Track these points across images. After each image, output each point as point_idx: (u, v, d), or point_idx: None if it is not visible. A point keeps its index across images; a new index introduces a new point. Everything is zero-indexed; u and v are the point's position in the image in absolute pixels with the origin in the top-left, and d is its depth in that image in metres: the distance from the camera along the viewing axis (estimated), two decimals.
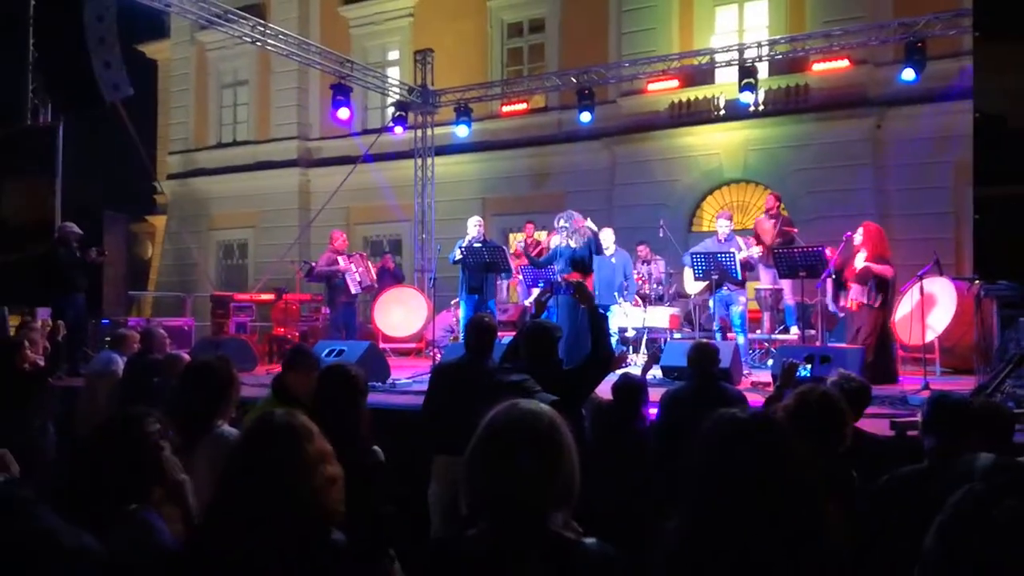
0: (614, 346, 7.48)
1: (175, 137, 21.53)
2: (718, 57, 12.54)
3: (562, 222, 8.28)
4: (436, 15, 17.48)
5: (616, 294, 9.63)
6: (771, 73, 13.95)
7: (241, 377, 3.69)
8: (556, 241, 10.93)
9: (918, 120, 13.06)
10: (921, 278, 7.95)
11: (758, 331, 10.64)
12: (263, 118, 20.02)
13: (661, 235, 11.00)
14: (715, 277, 9.05)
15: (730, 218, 9.85)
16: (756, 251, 9.50)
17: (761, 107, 14.18)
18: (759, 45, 12.07)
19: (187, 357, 5.71)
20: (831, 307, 8.66)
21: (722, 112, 14.63)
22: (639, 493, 3.95)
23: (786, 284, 10.33)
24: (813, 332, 9.20)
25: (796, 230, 10.57)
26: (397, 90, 14.59)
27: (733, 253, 9.03)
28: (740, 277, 9.06)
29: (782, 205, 11.05)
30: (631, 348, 9.98)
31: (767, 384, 7.44)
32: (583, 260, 8.08)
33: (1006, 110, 5.39)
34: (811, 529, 1.88)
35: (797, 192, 13.51)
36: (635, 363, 9.16)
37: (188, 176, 20.88)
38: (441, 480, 4.40)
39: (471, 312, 9.09)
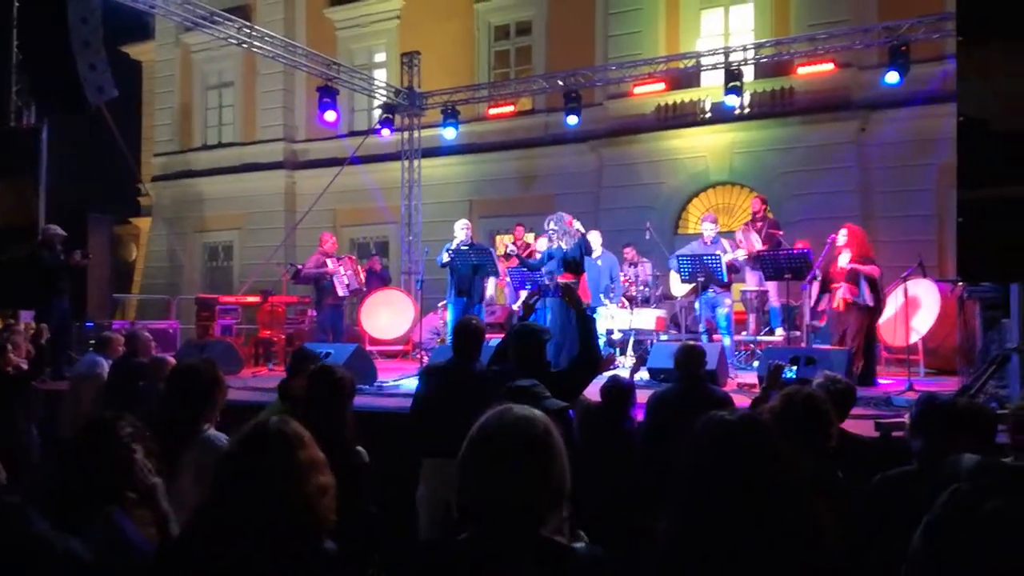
0: (601, 348, 7.49)
1: (160, 139, 21.42)
2: (704, 60, 12.60)
3: (552, 224, 8.29)
4: (423, 17, 17.47)
5: (602, 296, 9.65)
6: (756, 76, 14.03)
7: (227, 380, 3.67)
8: (543, 244, 10.96)
9: (902, 123, 13.17)
10: (905, 280, 8.01)
11: (744, 333, 10.70)
12: (249, 120, 19.94)
13: (647, 237, 11.03)
14: (701, 279, 9.09)
15: (715, 221, 9.91)
16: (741, 254, 9.56)
17: (747, 110, 14.25)
18: (744, 48, 12.14)
19: (172, 360, 5.68)
20: (808, 311, 8.66)
21: (708, 115, 14.70)
22: (627, 495, 3.96)
23: (771, 286, 10.39)
24: (798, 334, 9.26)
25: (782, 232, 10.62)
26: (384, 92, 14.57)
27: (719, 255, 9.08)
28: (726, 279, 9.12)
29: (767, 208, 11.10)
30: (618, 350, 10.00)
31: (753, 386, 7.47)
32: (575, 261, 8.10)
33: (990, 113, 5.43)
34: (799, 530, 1.90)
35: (782, 195, 13.59)
36: (623, 365, 9.18)
37: (173, 178, 20.76)
38: (429, 483, 4.39)
39: (459, 315, 9.08)
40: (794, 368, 6.21)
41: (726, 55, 12.08)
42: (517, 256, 9.98)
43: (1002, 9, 5.50)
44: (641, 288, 10.79)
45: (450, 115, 13.58)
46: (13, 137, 9.09)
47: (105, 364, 6.67)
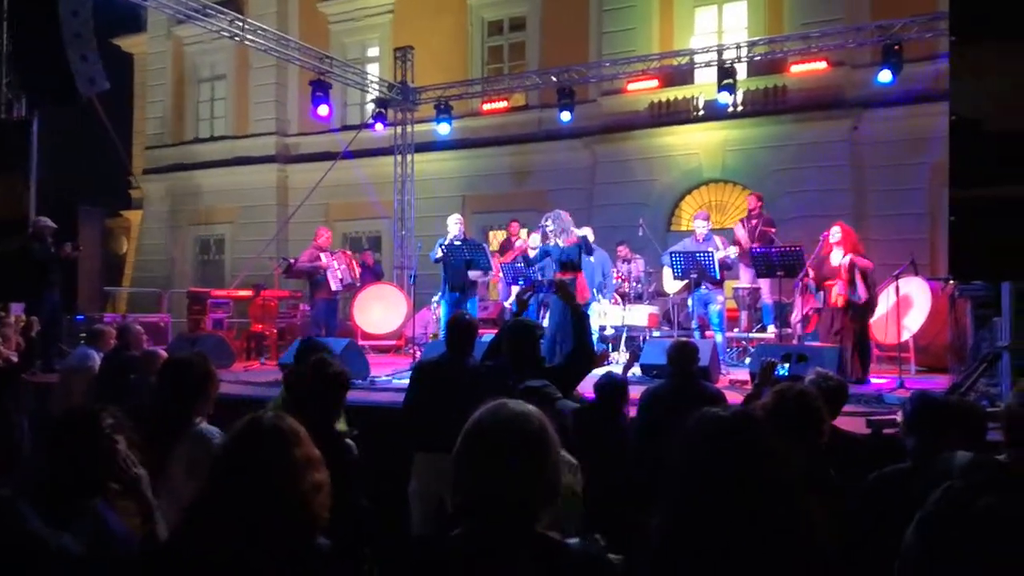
0: (595, 344, 7.50)
1: (151, 132, 21.32)
2: (697, 58, 12.61)
3: (550, 223, 8.32)
4: (416, 12, 17.42)
5: (595, 291, 9.66)
6: (750, 74, 14.04)
7: (219, 374, 3.66)
8: (536, 240, 10.96)
9: (894, 122, 13.21)
10: (897, 278, 8.04)
11: (735, 330, 10.72)
12: (241, 113, 19.86)
13: (640, 234, 11.04)
14: (694, 276, 9.10)
15: (707, 218, 9.91)
16: (733, 251, 9.57)
17: (740, 108, 14.26)
18: (738, 46, 12.15)
19: (164, 354, 5.66)
20: (797, 313, 8.64)
21: (701, 112, 14.71)
22: (620, 490, 3.97)
23: (764, 283, 10.42)
24: (790, 331, 9.29)
25: (775, 230, 10.64)
26: (377, 87, 14.53)
27: (711, 252, 9.09)
28: (719, 276, 9.13)
29: (763, 205, 11.13)
30: (611, 346, 10.02)
31: (745, 382, 7.50)
32: (571, 259, 8.13)
33: (982, 113, 5.44)
34: (791, 526, 1.90)
35: (775, 192, 13.61)
36: (616, 361, 9.19)
37: (164, 171, 20.66)
38: (421, 477, 4.39)
39: (451, 310, 9.08)
40: (786, 365, 6.23)
41: (719, 53, 12.09)
42: (523, 256, 9.98)
43: (995, 9, 5.51)
44: (634, 284, 10.81)
45: (443, 110, 13.56)
46: (3, 129, 9.01)
47: (96, 357, 6.64)
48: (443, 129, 13.67)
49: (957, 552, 1.49)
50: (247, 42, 12.23)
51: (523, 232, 11.97)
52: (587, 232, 8.37)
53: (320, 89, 12.50)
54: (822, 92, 13.71)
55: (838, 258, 7.83)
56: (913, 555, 1.56)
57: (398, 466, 4.47)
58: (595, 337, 8.95)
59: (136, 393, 5.28)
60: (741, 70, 12.60)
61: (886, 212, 13.09)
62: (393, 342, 12.64)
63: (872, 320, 8.60)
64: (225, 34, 11.84)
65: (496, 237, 16.27)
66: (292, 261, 10.97)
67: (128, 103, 22.65)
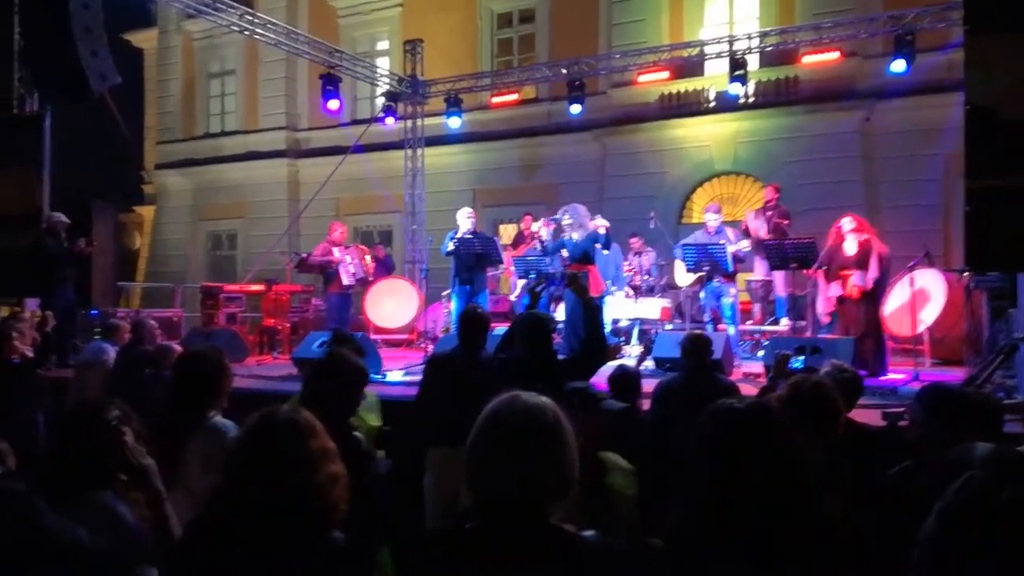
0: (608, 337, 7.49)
1: (163, 127, 21.39)
2: (708, 49, 12.52)
3: (567, 216, 8.31)
4: (425, 5, 17.40)
5: (610, 284, 9.66)
6: (761, 65, 13.96)
7: (232, 368, 3.67)
8: (544, 233, 10.94)
9: (907, 112, 13.12)
10: (911, 270, 7.97)
11: (748, 322, 10.68)
12: (251, 108, 19.90)
13: (652, 227, 11.00)
14: (706, 269, 9.05)
15: (719, 211, 9.84)
16: (745, 244, 9.52)
17: (751, 99, 14.20)
18: (749, 37, 12.07)
19: (178, 348, 5.69)
20: (820, 309, 8.49)
21: (712, 104, 14.65)
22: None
23: (777, 276, 10.36)
24: (804, 324, 9.22)
25: (789, 222, 10.59)
26: (387, 80, 14.52)
27: (724, 245, 9.04)
28: (731, 269, 9.06)
29: (780, 197, 11.08)
30: (623, 339, 10.00)
31: (758, 375, 7.47)
32: (585, 252, 8.13)
33: (997, 102, 5.40)
34: (807, 517, 1.89)
35: (787, 184, 13.49)
36: (629, 354, 9.18)
37: (176, 166, 20.74)
38: (436, 471, 4.39)
39: (463, 304, 9.07)
40: (800, 357, 6.20)
41: (730, 44, 12.02)
42: (541, 244, 9.97)
43: None
44: (645, 277, 10.78)
45: (453, 104, 13.52)
46: (16, 125, 9.06)
47: (111, 351, 6.68)
48: (454, 123, 13.64)
49: (979, 544, 1.48)
50: (257, 36, 12.24)
51: (535, 226, 11.94)
52: (603, 224, 8.36)
53: (330, 83, 12.50)
54: (834, 83, 13.62)
55: (853, 247, 7.74)
56: (933, 546, 1.55)
57: (412, 460, 4.47)
58: (608, 330, 8.94)
59: (151, 387, 5.31)
60: (752, 61, 12.53)
61: (899, 203, 13.00)
62: (405, 336, 12.65)
63: (887, 314, 8.55)
64: (235, 28, 11.85)
65: (507, 231, 16.27)
66: (304, 256, 10.99)
67: (139, 99, 22.75)
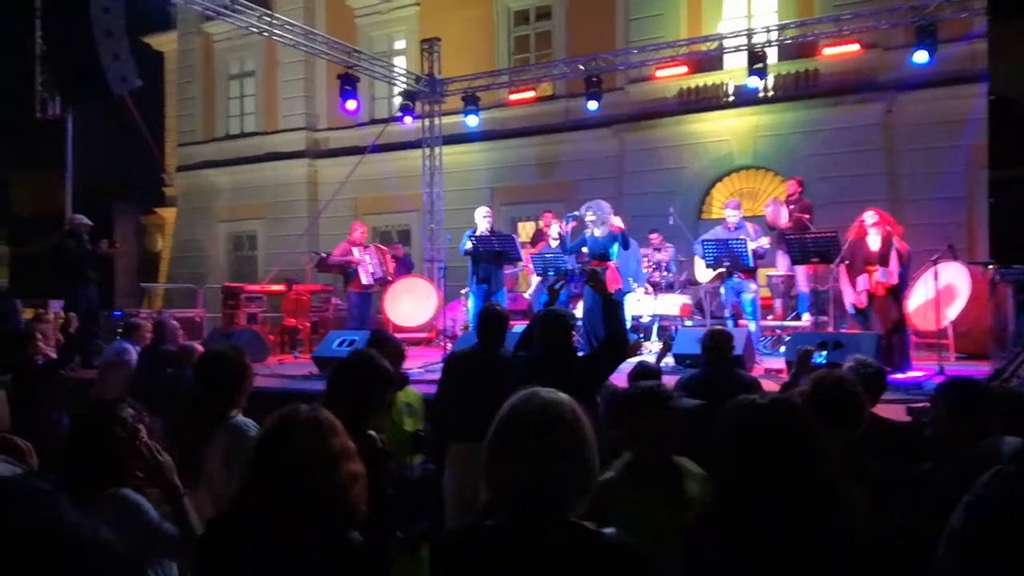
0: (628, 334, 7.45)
1: (183, 129, 21.55)
2: (727, 43, 12.43)
3: (590, 213, 8.28)
4: (442, 3, 17.40)
5: (632, 280, 9.62)
6: (780, 58, 13.84)
7: (253, 368, 3.69)
8: (555, 231, 10.93)
9: (929, 104, 12.96)
10: (935, 263, 7.87)
11: (769, 317, 10.61)
12: (270, 109, 20.01)
13: (671, 223, 10.95)
14: (726, 265, 8.98)
15: (738, 207, 9.76)
16: (764, 241, 9.44)
17: (771, 93, 14.08)
18: (768, 30, 11.97)
19: (200, 348, 5.72)
20: (848, 304, 8.34)
21: (731, 98, 14.54)
22: None
23: (799, 271, 10.28)
24: (826, 319, 9.13)
25: (809, 216, 10.50)
26: (404, 80, 14.54)
27: (745, 240, 8.97)
28: (752, 265, 8.99)
29: (802, 192, 10.99)
30: (643, 336, 9.96)
31: (780, 371, 7.41)
32: (606, 249, 8.10)
33: (1021, 92, 5.33)
34: (830, 512, 1.87)
35: (808, 178, 13.36)
36: (649, 351, 9.14)
37: (197, 168, 20.89)
38: (456, 468, 4.39)
39: (480, 302, 9.08)
40: (823, 353, 6.13)
41: (749, 37, 11.92)
42: (562, 241, 9.97)
43: None
44: (665, 274, 10.73)
45: (470, 102, 13.52)
46: (39, 128, 9.17)
47: (132, 351, 6.74)
48: (471, 121, 13.64)
49: (1009, 537, 1.45)
50: (275, 37, 12.29)
51: (552, 229, 11.94)
52: (617, 221, 8.33)
53: (348, 83, 12.53)
54: (854, 75, 13.49)
55: (876, 242, 7.63)
56: (962, 540, 1.53)
57: (432, 458, 4.47)
58: (628, 326, 8.91)
59: (173, 387, 5.35)
60: (771, 54, 12.40)
61: (921, 196, 12.85)
62: (425, 335, 12.67)
63: (911, 309, 8.45)
64: (253, 30, 11.90)
65: (525, 228, 16.25)
66: (324, 255, 11.04)
67: (160, 101, 22.93)
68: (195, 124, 21.22)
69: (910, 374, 7.27)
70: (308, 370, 8.55)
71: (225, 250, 20.68)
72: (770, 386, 5.48)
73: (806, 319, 10.10)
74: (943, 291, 8.25)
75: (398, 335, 11.57)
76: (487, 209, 9.97)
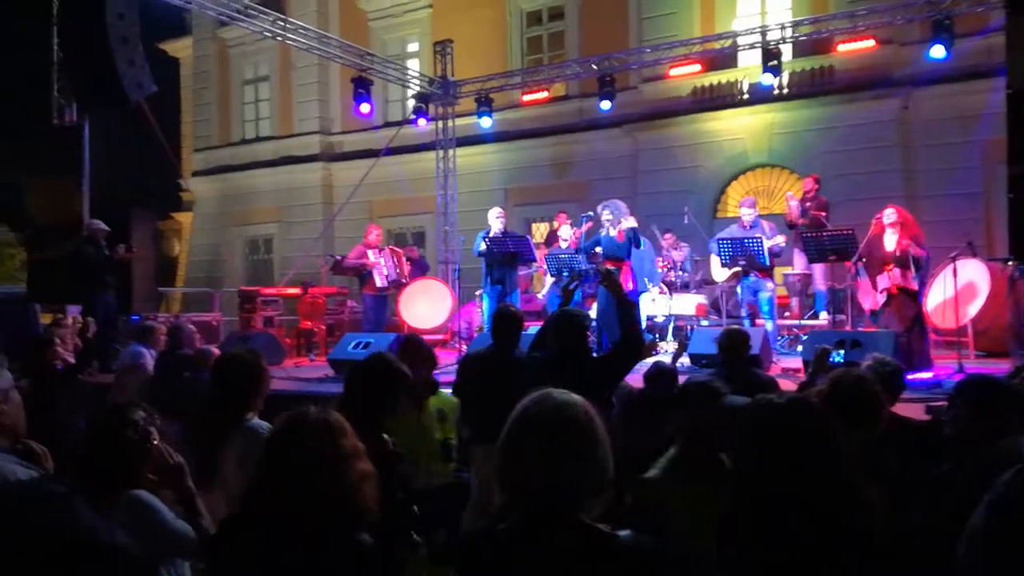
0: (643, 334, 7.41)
1: (199, 134, 21.69)
2: (741, 40, 12.36)
3: (607, 212, 8.25)
4: (454, 5, 17.42)
5: (647, 280, 9.59)
6: (795, 55, 13.77)
7: (270, 371, 3.70)
8: (567, 232, 10.90)
9: (945, 100, 12.85)
10: (954, 260, 7.79)
11: (786, 316, 10.54)
12: (285, 113, 20.11)
13: (686, 222, 10.91)
14: (742, 263, 8.92)
15: (753, 205, 9.67)
16: (780, 239, 9.37)
17: (785, 90, 14.00)
18: (782, 27, 11.90)
19: (217, 351, 5.75)
20: (866, 304, 8.28)
21: (746, 96, 14.47)
22: None
23: (816, 269, 10.21)
24: (843, 317, 9.06)
25: (827, 213, 10.42)
26: (417, 82, 14.57)
27: (761, 239, 8.90)
28: (768, 263, 8.93)
29: (819, 189, 10.92)
30: (658, 336, 9.92)
31: (797, 370, 7.36)
32: (620, 248, 8.08)
33: None
34: (848, 512, 1.86)
35: (824, 175, 13.26)
36: (665, 351, 9.10)
37: (213, 173, 21.02)
38: (478, 471, 4.39)
39: (495, 304, 9.08)
40: (841, 352, 6.09)
41: (763, 34, 11.86)
42: (580, 244, 9.95)
43: None
44: (680, 273, 10.68)
45: (484, 103, 13.52)
46: (56, 135, 9.24)
47: (147, 354, 6.77)
48: (485, 123, 13.64)
49: None
50: (289, 41, 12.36)
51: (563, 231, 11.92)
52: (632, 222, 8.31)
53: (361, 86, 12.57)
54: (870, 71, 13.38)
55: (892, 242, 7.57)
56: (983, 539, 1.50)
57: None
58: (643, 326, 8.88)
59: (190, 390, 5.37)
60: (786, 51, 12.34)
61: (938, 192, 12.73)
62: (441, 336, 12.67)
63: (930, 308, 8.37)
64: (267, 34, 11.97)
65: (539, 229, 16.24)
66: (340, 258, 11.08)
67: (175, 107, 23.09)
68: (211, 129, 21.36)
69: (926, 374, 7.21)
70: (324, 372, 8.57)
71: (241, 254, 20.79)
72: (788, 386, 5.45)
73: (823, 318, 10.03)
74: (962, 288, 8.17)
75: None
76: (500, 210, 9.97)
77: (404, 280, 11.61)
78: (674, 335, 9.85)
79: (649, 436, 4.09)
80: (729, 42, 12.47)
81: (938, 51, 10.38)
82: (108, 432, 2.45)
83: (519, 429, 1.75)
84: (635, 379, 4.79)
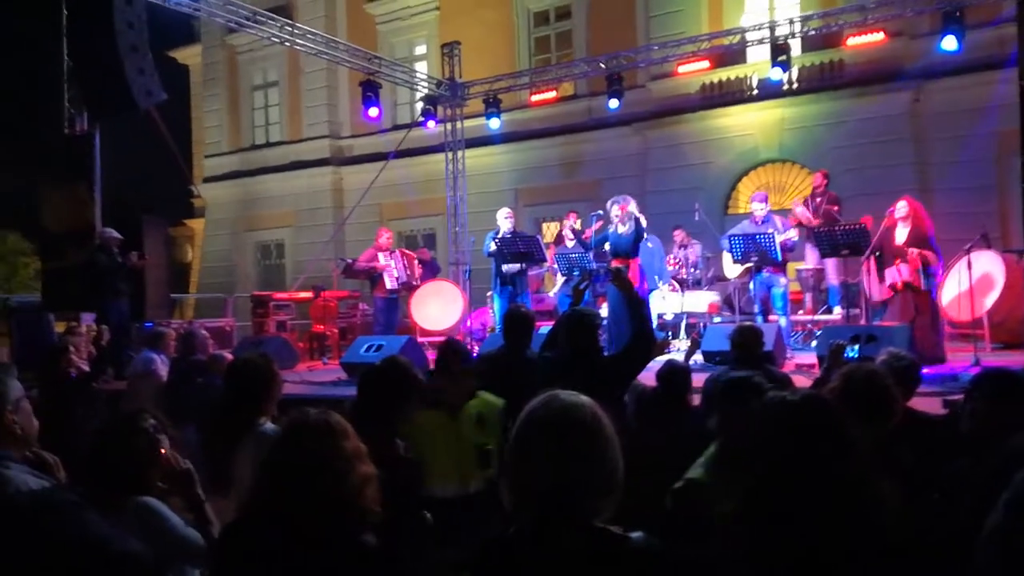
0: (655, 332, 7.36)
1: (210, 141, 21.79)
2: (749, 36, 12.31)
3: (615, 208, 8.18)
4: (461, 7, 17.44)
5: (657, 278, 9.55)
6: (804, 50, 13.70)
7: (284, 375, 3.70)
8: (570, 232, 10.86)
9: (957, 92, 12.74)
10: (968, 252, 7.73)
11: (800, 312, 10.48)
12: (295, 118, 20.18)
13: (697, 219, 10.87)
14: (754, 259, 8.88)
15: (765, 200, 9.62)
16: (792, 233, 9.32)
17: (795, 85, 13.95)
18: (791, 22, 11.82)
19: (230, 357, 5.77)
20: (874, 294, 8.26)
21: (755, 92, 14.41)
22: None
23: (829, 264, 10.15)
24: (857, 312, 9.01)
25: (838, 208, 10.36)
26: (425, 84, 14.59)
27: (772, 234, 8.85)
28: (780, 258, 8.88)
29: (828, 184, 10.85)
30: (670, 334, 9.89)
31: (811, 366, 7.32)
32: (628, 245, 8.02)
33: None
34: (861, 509, 1.84)
35: (835, 170, 13.20)
36: (678, 349, 9.07)
37: (224, 179, 21.11)
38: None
39: (506, 304, 9.07)
40: (855, 347, 6.04)
41: (772, 29, 11.79)
42: (578, 239, 9.93)
43: None
44: (692, 271, 10.64)
45: (492, 104, 13.51)
46: (68, 144, 9.30)
47: (159, 360, 6.80)
48: (494, 124, 13.63)
49: None
50: (297, 47, 12.40)
51: (578, 223, 11.90)
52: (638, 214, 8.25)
53: (370, 90, 12.60)
54: (880, 64, 13.30)
55: (903, 236, 7.52)
56: (1001, 539, 1.48)
57: None
58: (655, 324, 8.83)
59: (203, 396, 5.39)
60: (795, 46, 12.28)
61: (951, 185, 12.63)
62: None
63: (945, 301, 8.30)
64: (276, 40, 12.01)
65: (550, 229, 16.22)
66: (351, 262, 11.11)
67: (186, 113, 23.22)
68: (221, 135, 21.45)
69: (944, 366, 7.15)
70: (337, 376, 8.59)
71: (253, 259, 20.87)
72: (802, 382, 5.41)
73: (837, 312, 9.96)
74: (978, 280, 8.10)
75: (424, 339, 11.68)
76: (508, 210, 9.97)
77: (414, 282, 11.62)
78: (686, 333, 9.81)
79: (663, 435, 4.08)
80: (737, 38, 12.42)
81: (950, 43, 10.27)
82: (116, 439, 2.46)
83: (526, 431, 1.74)
84: (648, 378, 4.77)
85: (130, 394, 6.93)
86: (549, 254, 10.70)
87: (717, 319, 10.14)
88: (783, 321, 8.84)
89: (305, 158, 19.77)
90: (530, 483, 1.70)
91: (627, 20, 15.81)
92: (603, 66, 13.00)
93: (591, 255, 9.10)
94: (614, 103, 12.59)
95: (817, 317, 10.32)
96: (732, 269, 10.17)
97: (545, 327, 5.67)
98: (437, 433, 3.59)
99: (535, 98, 16.12)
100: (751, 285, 9.30)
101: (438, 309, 12.35)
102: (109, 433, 2.50)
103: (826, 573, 1.76)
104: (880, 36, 12.66)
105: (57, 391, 6.05)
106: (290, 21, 12.41)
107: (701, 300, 10.08)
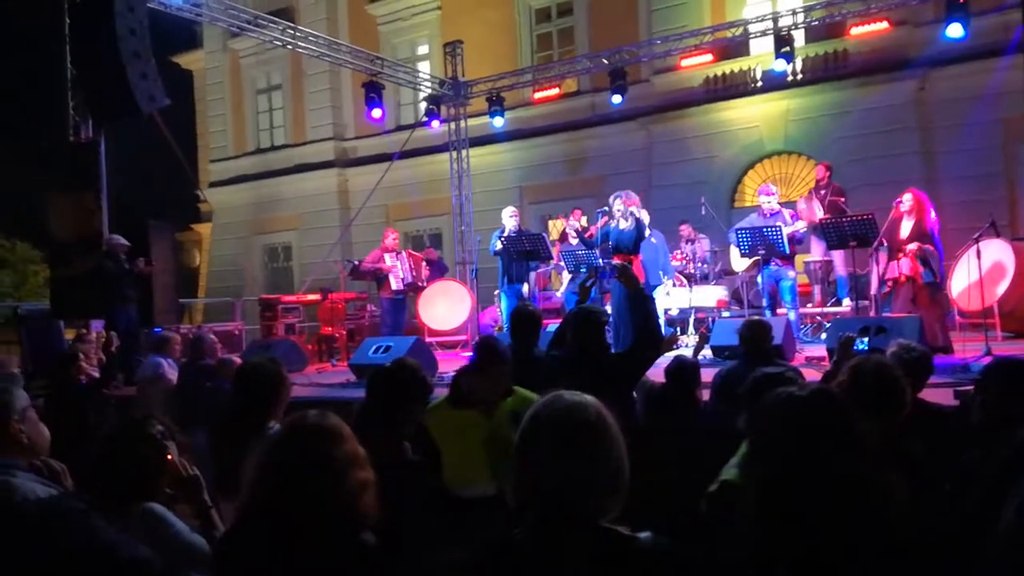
0: (662, 328, 7.34)
1: (214, 145, 21.85)
2: (752, 27, 12.25)
3: (619, 203, 8.15)
4: (463, 6, 17.42)
5: (662, 274, 9.53)
6: (808, 40, 13.65)
7: (291, 377, 3.71)
8: (571, 228, 10.85)
9: (962, 79, 12.65)
10: (977, 241, 7.68)
11: (809, 305, 10.44)
12: (299, 121, 20.20)
13: (703, 213, 10.83)
14: (762, 252, 8.84)
15: (772, 192, 9.59)
16: (801, 225, 9.27)
17: (799, 76, 13.88)
18: (794, 12, 11.78)
19: (238, 361, 5.77)
20: (874, 286, 8.23)
21: (759, 84, 14.35)
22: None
23: (837, 256, 10.10)
24: (866, 303, 8.96)
25: (844, 199, 10.31)
26: (428, 84, 14.58)
27: (779, 227, 8.81)
28: (788, 251, 8.83)
29: (831, 175, 10.80)
30: (678, 329, 9.86)
31: (821, 359, 7.29)
32: (630, 242, 8.00)
33: None
34: (871, 502, 1.82)
35: (841, 160, 13.17)
36: (686, 344, 9.05)
37: (229, 183, 21.15)
38: None
39: (513, 302, 9.06)
40: (865, 339, 6.01)
41: (775, 21, 11.74)
42: (580, 236, 9.92)
43: None
44: (699, 265, 10.61)
45: (495, 103, 13.51)
46: (73, 151, 9.32)
47: (166, 364, 6.82)
48: (497, 122, 13.62)
49: None
50: (300, 49, 12.40)
51: (583, 220, 11.89)
52: (643, 215, 8.23)
53: (373, 91, 12.60)
54: (884, 53, 13.23)
55: (907, 228, 7.49)
56: (1017, 540, 1.47)
57: None
58: (661, 320, 8.82)
59: (212, 400, 5.40)
60: (798, 37, 12.22)
61: (958, 174, 12.54)
62: (462, 337, 12.67)
63: (955, 292, 8.25)
64: (278, 43, 12.02)
65: (555, 226, 16.20)
66: (357, 263, 11.12)
67: (190, 118, 23.28)
68: (226, 139, 21.50)
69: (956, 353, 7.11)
70: (346, 378, 8.60)
71: (261, 262, 20.91)
72: (812, 375, 5.40)
73: (846, 304, 9.92)
74: (988, 269, 8.05)
75: (432, 339, 11.68)
76: (513, 208, 9.97)
77: (421, 283, 11.63)
78: (695, 328, 9.79)
79: (672, 432, 4.07)
80: (740, 30, 12.36)
81: (955, 30, 10.17)
82: (123, 446, 2.46)
83: (530, 431, 1.73)
84: (657, 374, 4.75)
85: (140, 399, 6.95)
86: (555, 252, 10.69)
87: (726, 313, 10.11)
88: (792, 314, 8.80)
89: (310, 160, 19.79)
90: (535, 483, 1.69)
91: (629, 15, 15.77)
92: (605, 61, 12.97)
93: (597, 252, 9.08)
94: (617, 98, 12.56)
95: (826, 309, 10.28)
96: (740, 263, 10.15)
97: (552, 325, 5.66)
98: (469, 432, 3.49)
99: (538, 95, 16.09)
100: (759, 278, 9.26)
101: (446, 309, 12.36)
102: (116, 439, 2.50)
103: (827, 573, 1.74)
104: (884, 25, 12.58)
105: (68, 398, 6.07)
106: (292, 24, 12.42)
107: (709, 295, 10.04)
